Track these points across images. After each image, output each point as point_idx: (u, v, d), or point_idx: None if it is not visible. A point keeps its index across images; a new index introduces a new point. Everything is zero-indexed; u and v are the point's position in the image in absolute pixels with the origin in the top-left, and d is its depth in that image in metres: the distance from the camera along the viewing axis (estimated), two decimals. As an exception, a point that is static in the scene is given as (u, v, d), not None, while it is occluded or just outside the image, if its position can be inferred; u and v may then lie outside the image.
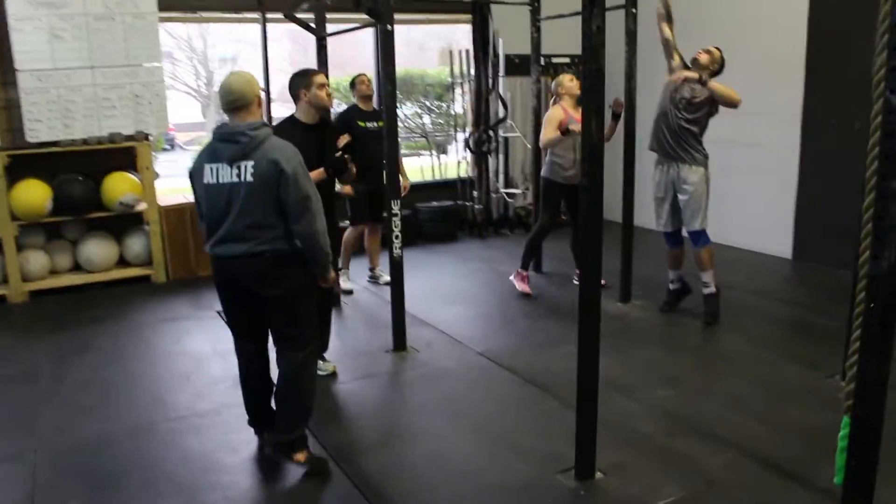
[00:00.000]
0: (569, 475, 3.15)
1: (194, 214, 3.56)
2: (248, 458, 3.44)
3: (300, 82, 3.84)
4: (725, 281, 5.41)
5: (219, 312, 5.16)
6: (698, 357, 4.55)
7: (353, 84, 5.84)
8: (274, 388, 3.32)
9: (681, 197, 4.87)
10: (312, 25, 5.21)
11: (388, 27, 4.22)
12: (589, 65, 2.80)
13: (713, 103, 4.76)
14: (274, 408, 3.34)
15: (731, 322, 5.06)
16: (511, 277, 5.89)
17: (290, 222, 3.00)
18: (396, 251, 4.53)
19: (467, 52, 7.70)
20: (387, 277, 5.76)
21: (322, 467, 3.25)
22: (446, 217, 7.85)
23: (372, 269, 6.20)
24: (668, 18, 4.92)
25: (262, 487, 3.22)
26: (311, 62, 5.20)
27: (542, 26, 6.17)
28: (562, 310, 5.42)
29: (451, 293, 5.97)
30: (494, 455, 3.37)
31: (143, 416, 3.86)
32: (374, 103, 5.98)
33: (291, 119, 3.94)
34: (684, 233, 5.06)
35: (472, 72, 7.57)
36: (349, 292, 5.91)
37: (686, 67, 4.87)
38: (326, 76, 4.25)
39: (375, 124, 5.68)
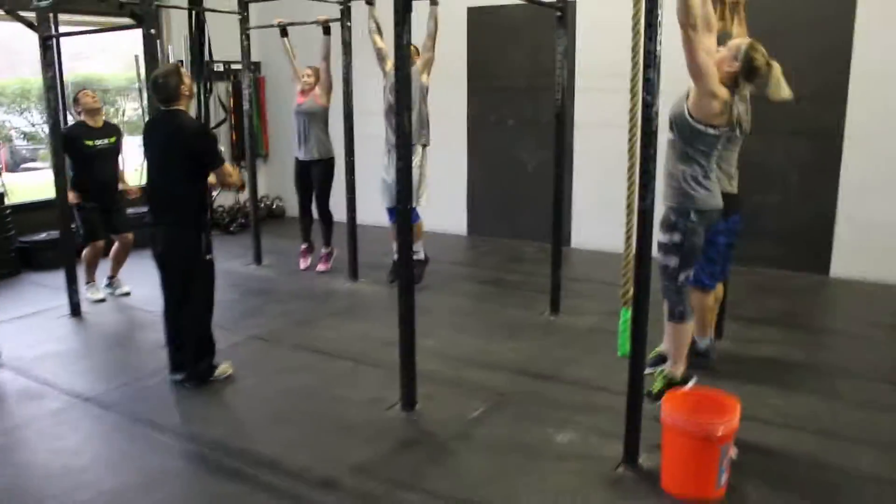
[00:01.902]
0: (395, 409, 3.83)
1: None
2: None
3: None
4: (435, 256, 6.45)
5: None
6: (438, 315, 5.43)
7: (76, 100, 5.67)
8: None
9: None
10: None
11: (152, 31, 4.40)
12: (399, 71, 3.51)
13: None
14: None
15: (451, 286, 6.13)
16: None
17: None
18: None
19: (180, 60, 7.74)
20: (126, 288, 5.79)
21: None
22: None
23: (111, 278, 6.01)
24: (379, 31, 5.75)
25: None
26: None
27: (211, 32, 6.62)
28: (303, 292, 6.01)
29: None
30: (332, 408, 3.90)
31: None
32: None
33: None
34: None
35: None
36: (102, 300, 5.83)
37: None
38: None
39: (107, 141, 5.65)
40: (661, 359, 4.00)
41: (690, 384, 3.76)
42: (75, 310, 5.47)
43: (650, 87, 2.96)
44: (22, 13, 5.02)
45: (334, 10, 6.05)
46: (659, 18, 2.91)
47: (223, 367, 4.29)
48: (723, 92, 3.44)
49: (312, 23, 6.10)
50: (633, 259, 3.28)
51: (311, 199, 6.61)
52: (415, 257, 5.63)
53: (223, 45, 7.50)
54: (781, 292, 5.94)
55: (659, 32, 2.92)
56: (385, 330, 4.96)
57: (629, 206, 3.34)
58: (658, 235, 3.56)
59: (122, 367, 4.55)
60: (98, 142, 5.62)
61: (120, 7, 4.40)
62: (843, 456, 3.37)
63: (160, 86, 3.94)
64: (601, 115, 6.74)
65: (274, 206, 9.06)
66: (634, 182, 3.23)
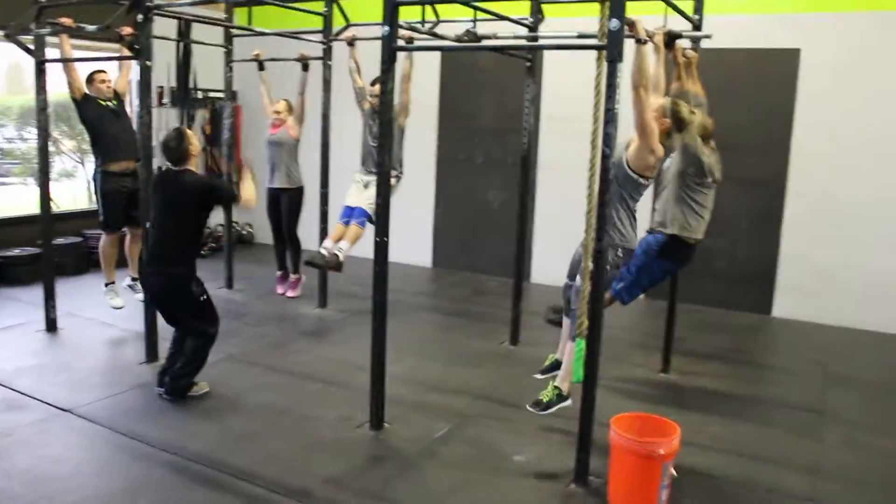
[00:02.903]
0: (364, 428, 4.10)
1: None
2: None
3: None
4: (392, 287, 6.71)
5: None
6: (404, 342, 5.65)
7: (90, 79, 5.84)
8: None
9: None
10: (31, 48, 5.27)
11: (148, 62, 4.67)
12: (383, 115, 3.84)
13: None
14: None
15: (416, 316, 6.42)
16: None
17: None
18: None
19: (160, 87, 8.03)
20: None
21: None
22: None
23: (134, 280, 6.11)
24: (358, 71, 6.08)
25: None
26: None
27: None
28: (275, 316, 6.27)
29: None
30: (304, 425, 4.16)
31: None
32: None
33: None
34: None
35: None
36: (121, 307, 5.97)
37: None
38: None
39: (116, 103, 5.93)
40: (556, 365, 4.46)
41: (569, 402, 4.11)
42: (51, 325, 5.62)
43: (608, 141, 3.32)
44: (21, 37, 5.24)
45: (315, 49, 6.38)
46: (618, 81, 3.28)
47: (201, 385, 4.55)
48: (659, 150, 3.87)
49: (294, 59, 6.41)
50: (587, 294, 3.62)
51: (282, 226, 6.87)
52: (340, 255, 5.75)
53: (203, 73, 7.75)
54: (726, 330, 6.35)
55: (617, 93, 3.29)
56: (353, 354, 5.26)
57: (585, 246, 3.69)
58: (577, 255, 3.99)
59: (101, 381, 4.73)
60: (108, 102, 5.85)
61: (119, 39, 4.65)
62: (771, 477, 3.73)
63: (172, 149, 4.38)
64: (563, 158, 7.15)
65: (244, 233, 9.28)
66: (591, 225, 3.58)
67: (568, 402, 4.09)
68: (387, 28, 3.77)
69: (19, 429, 3.99)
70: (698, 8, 4.82)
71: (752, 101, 6.50)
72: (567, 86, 7.01)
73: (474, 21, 5.01)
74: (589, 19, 6.03)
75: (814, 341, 6.13)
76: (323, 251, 5.75)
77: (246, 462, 3.68)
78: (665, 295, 5.16)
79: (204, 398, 4.49)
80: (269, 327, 5.99)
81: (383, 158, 3.90)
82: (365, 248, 6.98)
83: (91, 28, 4.88)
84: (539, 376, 4.64)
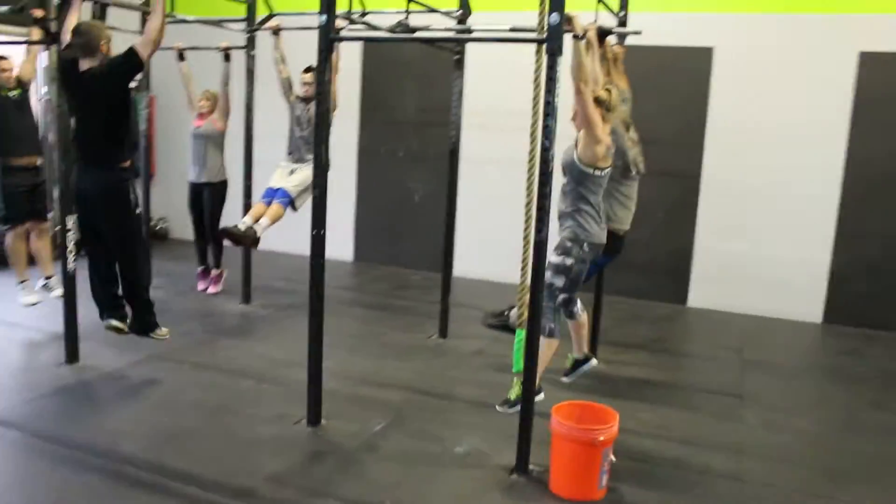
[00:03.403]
0: (302, 424, 4.04)
1: None
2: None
3: None
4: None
5: None
6: (332, 337, 5.38)
7: None
8: None
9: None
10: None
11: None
12: (320, 105, 3.79)
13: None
14: None
15: (341, 311, 6.29)
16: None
17: None
18: (70, 265, 4.69)
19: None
20: (60, 290, 5.60)
21: None
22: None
23: (48, 278, 5.81)
24: (284, 61, 5.96)
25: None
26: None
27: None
28: (197, 313, 6.09)
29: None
30: (240, 423, 4.06)
31: None
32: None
33: None
34: None
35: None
36: (34, 304, 5.70)
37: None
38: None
39: (17, 92, 5.58)
40: (578, 364, 4.56)
41: (540, 396, 4.17)
42: (-46, 328, 5.32)
43: (548, 133, 3.37)
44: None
45: (237, 38, 6.22)
46: (558, 74, 3.33)
47: (165, 331, 4.70)
48: (606, 139, 3.95)
49: (215, 49, 6.23)
50: (528, 285, 3.67)
51: (204, 221, 6.68)
52: (259, 231, 5.52)
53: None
54: (646, 320, 6.57)
55: (557, 86, 3.34)
56: (282, 351, 5.19)
57: (525, 237, 3.74)
58: (551, 256, 4.03)
59: (17, 384, 4.50)
60: (11, 93, 5.51)
61: (34, 22, 4.42)
62: (700, 459, 3.89)
63: (83, 33, 4.21)
64: (485, 151, 7.20)
65: (158, 228, 8.96)
66: (531, 216, 3.63)
67: (540, 396, 4.09)
68: (324, 17, 3.71)
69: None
70: (623, 4, 4.96)
71: (668, 96, 6.72)
72: (489, 80, 7.04)
73: (407, 12, 4.98)
74: (515, 14, 6.16)
75: (728, 329, 6.41)
76: (241, 226, 5.57)
77: (182, 463, 3.56)
78: (591, 287, 5.27)
79: (132, 397, 4.32)
80: (194, 324, 5.82)
81: (320, 149, 3.84)
82: (283, 242, 6.98)
83: (2, 9, 4.60)
84: (566, 379, 4.67)
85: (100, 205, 4.43)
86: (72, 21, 4.39)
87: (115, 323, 4.63)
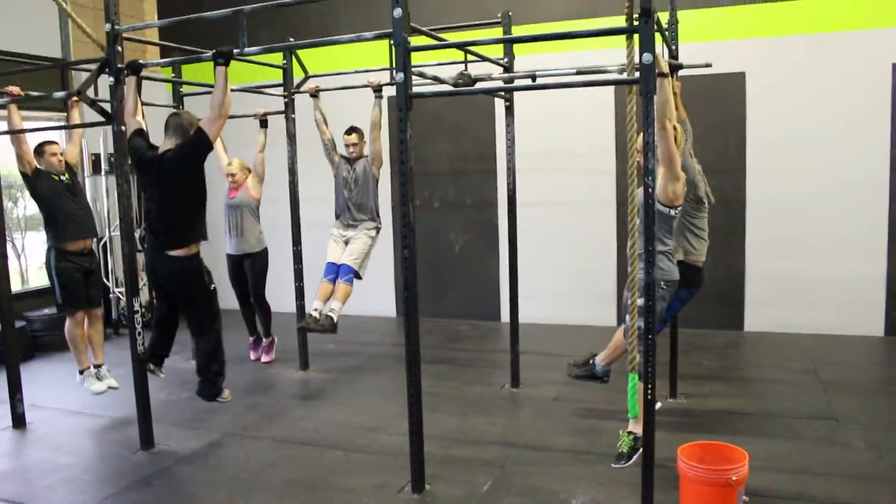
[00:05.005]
0: (406, 492, 3.91)
1: None
2: None
3: None
4: (365, 341, 6.54)
5: None
6: (402, 394, 5.49)
7: (40, 151, 5.44)
8: None
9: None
10: None
11: (122, 128, 4.41)
12: (403, 164, 3.73)
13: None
14: None
15: (403, 368, 6.19)
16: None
17: None
18: (140, 348, 4.59)
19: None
20: (113, 382, 5.53)
21: None
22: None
23: (98, 367, 5.64)
24: (325, 122, 5.93)
25: None
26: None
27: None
28: (258, 384, 6.01)
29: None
30: (342, 499, 3.91)
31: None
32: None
33: None
34: None
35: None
36: (103, 392, 5.55)
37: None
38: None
39: (68, 177, 5.53)
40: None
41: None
42: (18, 421, 5.15)
43: (649, 173, 3.31)
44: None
45: (274, 103, 6.19)
46: (652, 116, 3.28)
47: (227, 393, 4.80)
48: (683, 175, 3.91)
49: (252, 116, 6.20)
50: (635, 329, 3.58)
51: (248, 291, 6.57)
52: (334, 315, 5.58)
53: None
54: (709, 349, 6.46)
55: (652, 126, 3.29)
56: (359, 416, 5.07)
57: (632, 280, 3.67)
58: (627, 300, 3.94)
59: (96, 478, 4.32)
60: (62, 177, 5.46)
61: (91, 104, 4.38)
62: (822, 488, 3.78)
63: (178, 115, 4.42)
64: (533, 195, 7.13)
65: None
66: (635, 258, 3.57)
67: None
68: (401, 74, 3.67)
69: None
70: (673, 38, 4.95)
71: (707, 123, 6.69)
72: (533, 124, 6.99)
73: (465, 63, 4.97)
74: (551, 55, 6.19)
75: (794, 351, 6.30)
76: (314, 313, 5.53)
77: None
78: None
79: (214, 483, 4.16)
80: (259, 396, 5.67)
81: (407, 209, 3.78)
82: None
83: (59, 95, 4.56)
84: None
85: (175, 288, 4.47)
86: (132, 105, 4.37)
87: (154, 368, 4.72)
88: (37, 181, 5.33)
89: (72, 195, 5.43)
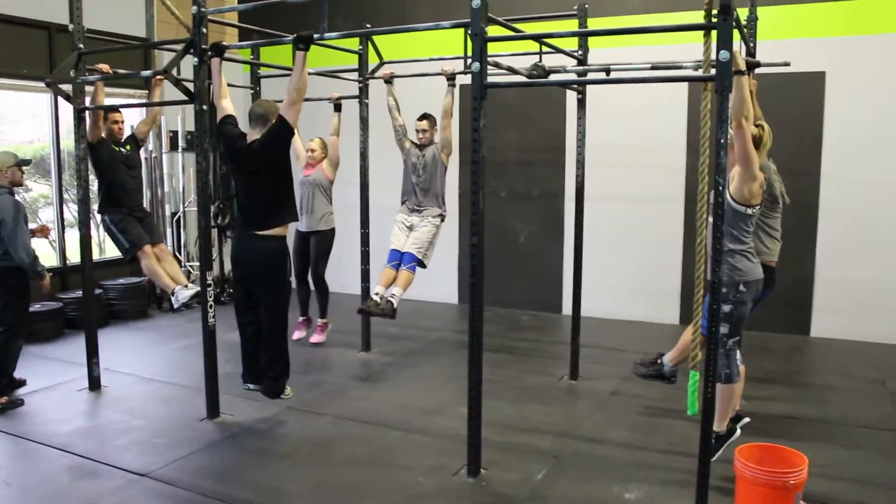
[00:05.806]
0: (462, 475, 3.98)
1: None
2: None
3: None
4: (427, 326, 6.64)
5: None
6: (462, 380, 5.55)
7: (105, 117, 5.70)
8: None
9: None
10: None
11: (204, 107, 4.57)
12: (476, 153, 3.78)
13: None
14: None
15: (463, 354, 6.25)
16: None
17: None
18: (210, 320, 4.76)
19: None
20: (197, 287, 5.56)
21: None
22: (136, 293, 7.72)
23: (173, 291, 5.76)
24: (398, 109, 6.02)
25: None
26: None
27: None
28: (318, 363, 6.17)
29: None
30: (399, 476, 4.02)
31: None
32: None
33: None
34: None
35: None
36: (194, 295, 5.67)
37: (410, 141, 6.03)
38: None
39: (127, 148, 5.85)
40: (739, 416, 4.28)
41: (736, 435, 4.04)
42: (94, 383, 5.41)
43: (720, 171, 3.30)
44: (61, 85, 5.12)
45: (349, 88, 6.31)
46: (727, 114, 3.26)
47: (289, 390, 4.84)
48: (760, 175, 3.85)
49: (327, 99, 6.33)
50: (698, 326, 3.57)
51: (309, 270, 6.69)
52: (395, 301, 5.67)
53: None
54: (773, 353, 6.35)
55: (729, 125, 3.27)
56: (419, 399, 5.17)
57: (697, 277, 3.65)
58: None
59: (166, 441, 4.50)
60: (122, 148, 5.76)
61: (176, 83, 4.54)
62: (882, 501, 3.72)
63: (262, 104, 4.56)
64: (600, 188, 7.09)
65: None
66: (703, 256, 3.56)
67: (736, 434, 4.05)
68: (477, 64, 3.72)
69: (103, 497, 3.79)
70: (751, 35, 4.88)
71: (782, 123, 6.54)
72: (603, 117, 6.95)
73: (539, 55, 4.99)
74: (626, 49, 6.15)
75: (861, 359, 6.15)
76: (375, 297, 5.64)
77: (357, 519, 3.53)
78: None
79: (289, 457, 4.30)
80: (320, 375, 5.82)
81: (477, 197, 3.83)
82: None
83: (146, 73, 4.75)
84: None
85: (259, 272, 4.55)
86: (221, 87, 4.53)
87: (252, 387, 4.82)
88: (99, 149, 5.58)
89: (127, 167, 5.72)
